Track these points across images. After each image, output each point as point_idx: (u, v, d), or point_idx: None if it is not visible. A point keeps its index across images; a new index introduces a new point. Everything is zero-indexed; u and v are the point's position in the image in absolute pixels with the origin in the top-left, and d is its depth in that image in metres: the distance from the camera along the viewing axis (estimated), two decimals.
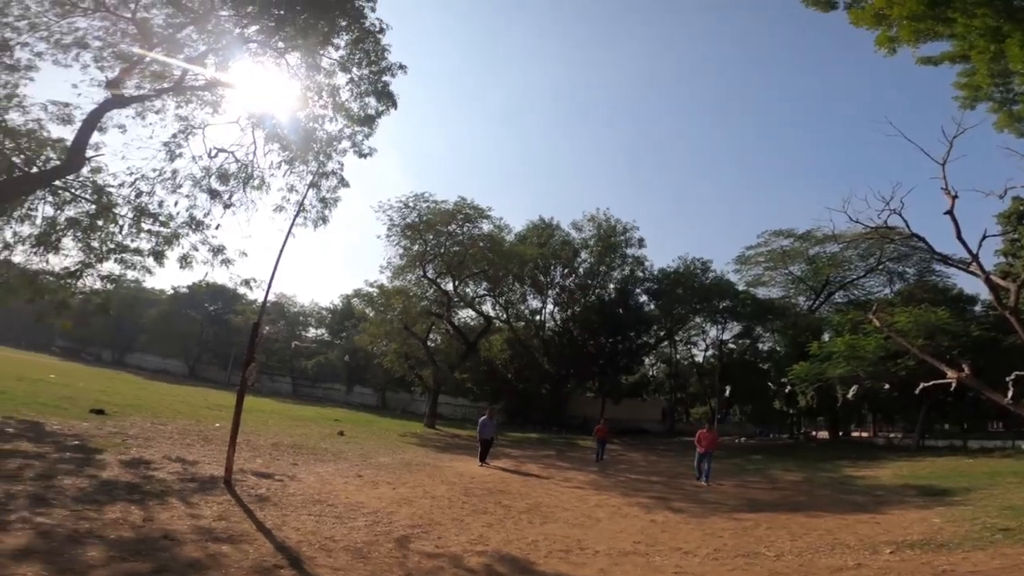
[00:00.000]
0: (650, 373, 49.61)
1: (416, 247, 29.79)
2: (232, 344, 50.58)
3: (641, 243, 38.99)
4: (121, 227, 12.45)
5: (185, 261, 13.00)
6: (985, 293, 32.06)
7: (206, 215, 13.31)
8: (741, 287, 39.74)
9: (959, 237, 21.00)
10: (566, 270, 39.58)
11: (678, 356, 46.54)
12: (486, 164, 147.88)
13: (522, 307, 41.60)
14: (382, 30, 13.49)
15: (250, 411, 15.86)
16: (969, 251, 21.14)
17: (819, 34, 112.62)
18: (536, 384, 40.24)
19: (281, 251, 9.12)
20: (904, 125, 60.34)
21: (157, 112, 13.38)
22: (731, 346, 42.23)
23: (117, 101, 12.04)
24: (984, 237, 25.08)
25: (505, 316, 40.15)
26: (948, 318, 24.22)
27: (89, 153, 11.76)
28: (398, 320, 30.78)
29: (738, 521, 8.93)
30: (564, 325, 40.93)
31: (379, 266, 33.84)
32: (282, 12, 11.93)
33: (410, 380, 36.63)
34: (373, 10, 13.32)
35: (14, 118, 11.86)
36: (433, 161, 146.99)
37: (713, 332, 42.66)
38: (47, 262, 12.24)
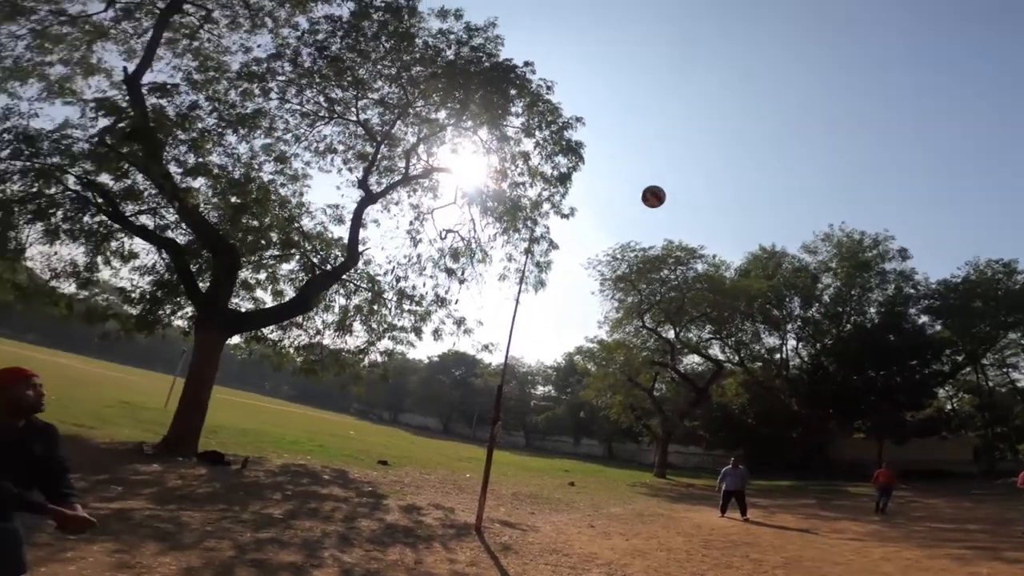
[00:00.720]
0: (948, 406, 38.55)
1: (631, 298, 29.85)
2: (475, 404, 58.92)
3: (904, 255, 31.98)
4: (389, 310, 15.33)
5: (436, 334, 15.21)
6: None
7: (447, 292, 15.27)
8: None
9: None
10: (805, 300, 34.55)
11: (990, 383, 35.31)
12: (686, 200, 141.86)
13: (756, 347, 37.42)
14: (549, 87, 14.31)
15: (495, 463, 17.26)
16: None
17: None
18: (783, 427, 35.00)
19: (513, 320, 10.21)
20: None
21: (396, 204, 15.78)
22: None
23: (369, 198, 14.36)
24: None
25: (737, 358, 36.55)
26: None
27: (360, 248, 14.24)
28: (620, 372, 30.84)
29: None
30: (814, 360, 35.19)
31: (596, 321, 34.70)
32: (460, 94, 13.66)
33: (637, 430, 35.71)
34: (533, 72, 14.24)
35: (306, 223, 14.55)
36: (623, 209, 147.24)
37: None
38: (345, 342, 15.77)
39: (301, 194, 14.77)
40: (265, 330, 14.45)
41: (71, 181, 11.54)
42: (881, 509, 15.84)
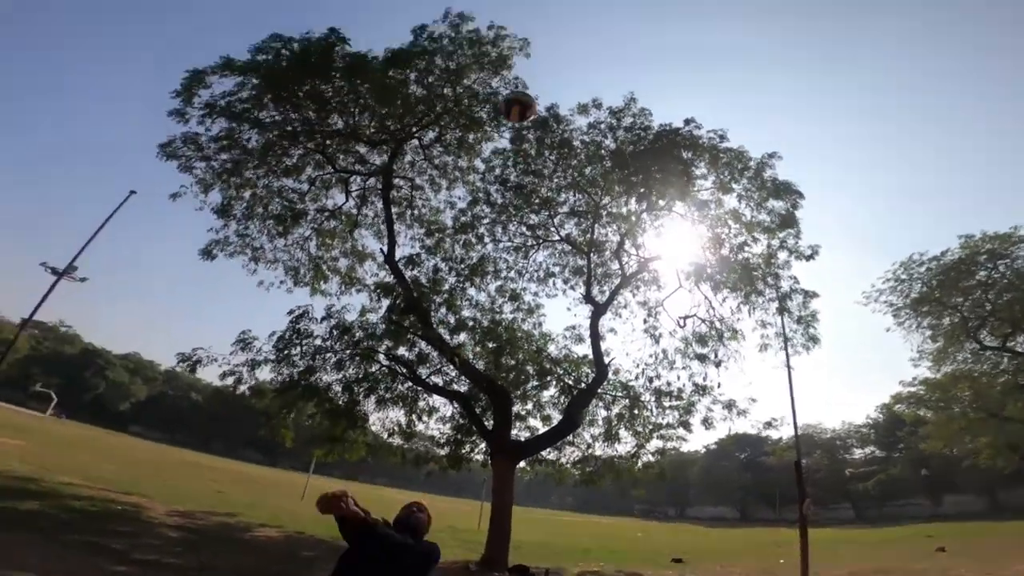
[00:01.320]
0: None
1: (947, 319, 23.56)
2: (774, 484, 51.42)
3: None
4: (651, 411, 14.96)
5: (707, 423, 14.36)
6: None
7: (704, 378, 14.53)
8: None
9: None
10: None
11: None
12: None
13: None
14: (722, 136, 13.60)
15: (815, 543, 14.90)
16: None
17: None
18: None
19: (791, 387, 9.26)
20: None
21: (625, 307, 16.11)
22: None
23: (598, 310, 14.83)
24: None
25: None
26: None
27: (606, 359, 14.74)
28: (973, 411, 23.73)
29: None
30: None
31: (909, 360, 27.94)
32: (639, 177, 13.60)
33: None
34: (699, 127, 13.72)
35: (552, 350, 15.75)
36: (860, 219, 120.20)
37: None
38: (615, 450, 15.79)
39: (540, 324, 16.03)
40: (544, 452, 15.54)
41: (381, 358, 14.58)
42: None
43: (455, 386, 15.19)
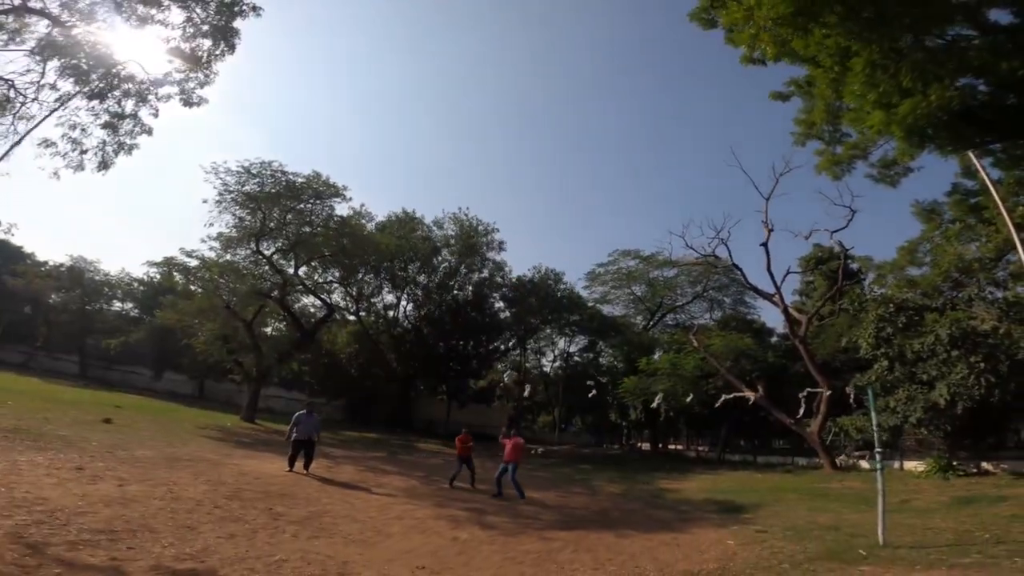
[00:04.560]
0: (501, 380, 49.81)
1: (255, 220, 25.75)
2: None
3: (501, 247, 38.79)
4: None
5: None
6: (780, 327, 37.82)
7: None
8: (590, 303, 41.74)
9: (768, 269, 23.80)
10: (425, 267, 38.02)
11: (528, 364, 47.46)
12: (349, 150, 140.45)
13: (376, 300, 39.16)
14: None
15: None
16: (775, 283, 24.09)
17: (691, 60, 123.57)
18: (383, 383, 37.80)
19: None
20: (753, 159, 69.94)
21: None
22: (576, 359, 44.03)
23: None
24: (787, 273, 28.45)
25: (355, 308, 37.23)
26: (751, 344, 27.60)
27: None
28: (220, 299, 26.34)
29: (547, 542, 8.17)
30: (417, 324, 39.18)
31: (203, 236, 28.50)
32: None
33: (228, 366, 31.65)
34: None
35: None
36: (293, 137, 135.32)
37: (561, 343, 44.18)
38: None
39: None
40: None
41: None
42: (453, 483, 13.42)
43: None
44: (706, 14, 10.17)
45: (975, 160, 15.79)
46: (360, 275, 34.52)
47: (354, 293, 36.56)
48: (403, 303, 39.70)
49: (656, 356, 32.22)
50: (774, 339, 35.64)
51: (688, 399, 24.99)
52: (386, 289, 38.70)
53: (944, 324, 16.35)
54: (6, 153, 12.63)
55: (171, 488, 8.26)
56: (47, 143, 12.70)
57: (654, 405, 26.21)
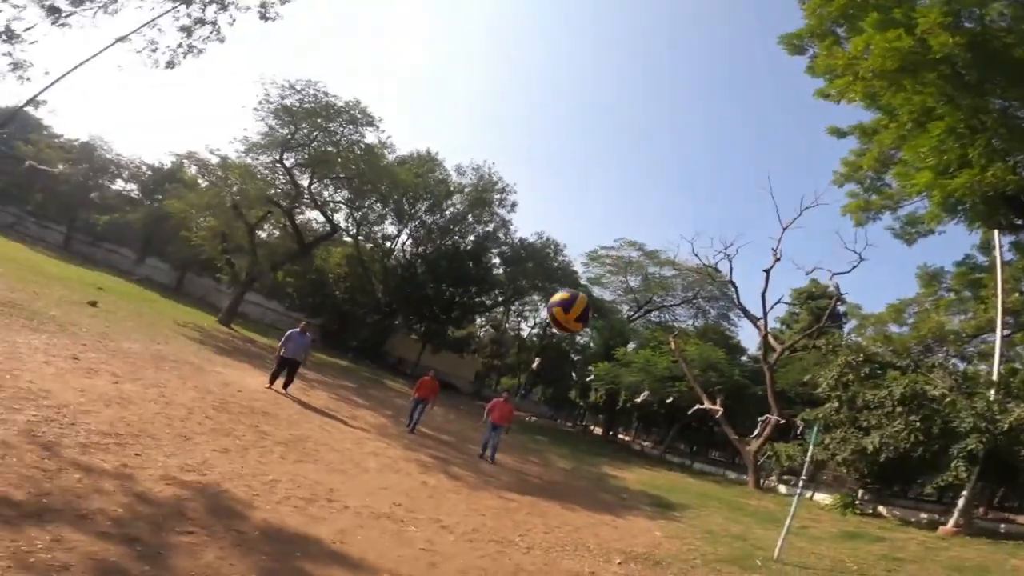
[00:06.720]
0: (478, 333, 50.72)
1: (285, 131, 26.09)
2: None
3: (513, 207, 38.99)
4: None
5: None
6: (753, 348, 39.00)
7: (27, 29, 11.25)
8: (583, 280, 42.30)
9: (763, 295, 24.44)
10: (434, 208, 38.04)
11: (507, 325, 48.31)
12: (410, 88, 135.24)
13: (377, 228, 39.34)
14: None
15: None
16: (764, 309, 24.79)
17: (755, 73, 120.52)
18: (364, 311, 38.37)
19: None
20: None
21: None
22: (555, 331, 44.77)
23: None
24: (778, 302, 29.35)
25: (355, 231, 37.32)
26: (723, 358, 28.61)
27: None
28: (230, 198, 26.44)
29: (505, 500, 9.06)
30: (412, 260, 39.48)
31: (233, 137, 28.23)
32: None
33: (220, 264, 31.85)
34: None
35: None
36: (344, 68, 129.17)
37: (543, 313, 44.93)
38: None
39: None
40: None
41: None
42: (412, 427, 13.65)
43: None
44: (799, 41, 10.13)
45: (997, 237, 16.19)
46: (369, 201, 34.63)
47: (358, 217, 36.60)
48: (403, 237, 40.05)
49: (631, 347, 33.17)
50: (744, 358, 36.81)
51: (642, 397, 26.15)
52: (389, 220, 38.89)
53: (901, 383, 17.24)
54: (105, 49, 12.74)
55: (162, 391, 8.54)
56: (124, 38, 13.60)
57: (639, 400, 27.23)
